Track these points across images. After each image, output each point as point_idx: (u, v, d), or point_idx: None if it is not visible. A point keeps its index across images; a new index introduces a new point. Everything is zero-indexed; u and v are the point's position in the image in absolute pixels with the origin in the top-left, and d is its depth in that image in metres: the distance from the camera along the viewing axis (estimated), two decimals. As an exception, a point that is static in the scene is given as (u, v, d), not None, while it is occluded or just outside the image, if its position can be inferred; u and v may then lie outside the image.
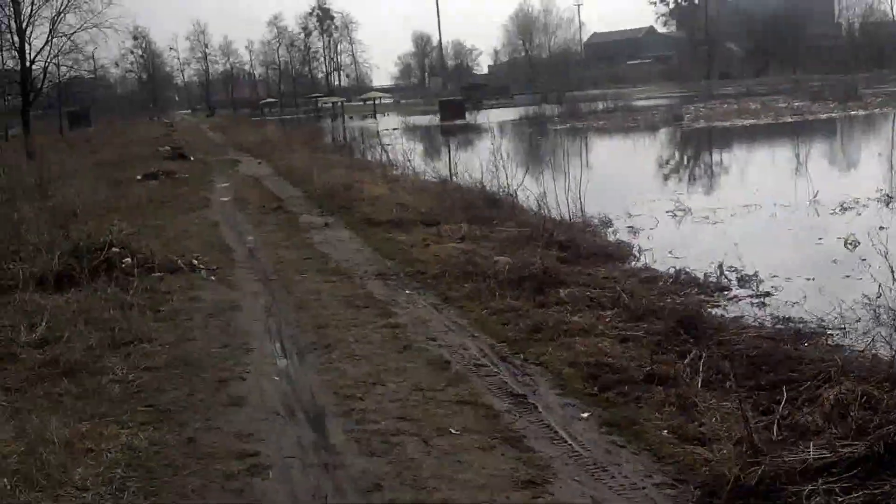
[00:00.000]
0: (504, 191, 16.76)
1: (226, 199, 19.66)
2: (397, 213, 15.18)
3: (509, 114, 67.86)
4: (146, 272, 10.19)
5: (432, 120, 72.13)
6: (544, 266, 9.52)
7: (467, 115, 70.63)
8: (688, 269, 10.35)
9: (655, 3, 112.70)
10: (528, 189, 16.45)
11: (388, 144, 40.73)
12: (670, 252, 11.89)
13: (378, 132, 52.19)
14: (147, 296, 9.29)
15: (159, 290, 9.61)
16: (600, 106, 63.31)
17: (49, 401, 6.21)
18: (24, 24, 47.70)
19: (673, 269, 10.33)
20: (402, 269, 10.94)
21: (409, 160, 26.22)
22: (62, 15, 48.39)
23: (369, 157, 31.72)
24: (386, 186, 20.39)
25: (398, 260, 11.50)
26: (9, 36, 48.28)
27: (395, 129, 57.67)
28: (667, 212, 15.73)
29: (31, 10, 47.80)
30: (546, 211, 13.87)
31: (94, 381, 6.58)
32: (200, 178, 24.78)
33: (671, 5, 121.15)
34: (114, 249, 10.27)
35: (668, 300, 8.81)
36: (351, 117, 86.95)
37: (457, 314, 8.67)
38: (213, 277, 10.41)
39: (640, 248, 12.29)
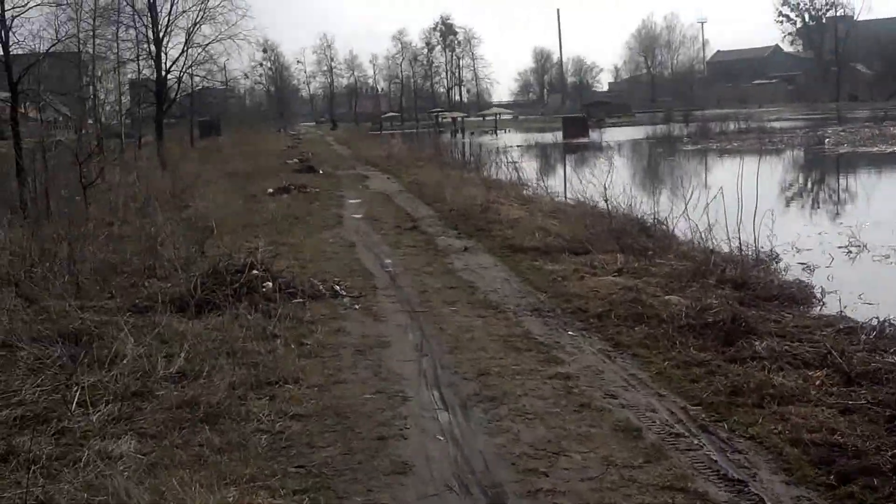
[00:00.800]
0: (654, 217, 15.55)
1: (358, 216, 19.10)
2: (541, 239, 14.19)
3: (633, 132, 66.02)
4: (288, 297, 9.53)
5: (555, 137, 70.97)
6: (732, 311, 8.33)
7: (590, 132, 69.17)
8: (892, 321, 8.95)
9: (782, 22, 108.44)
10: (674, 212, 15.18)
11: (514, 162, 39.92)
12: (860, 296, 10.45)
13: (501, 148, 51.36)
14: (290, 325, 8.59)
15: (303, 318, 8.90)
16: (731, 126, 60.83)
17: (188, 453, 5.48)
18: (161, 35, 49.18)
19: (875, 320, 8.93)
20: (557, 304, 9.93)
21: (541, 180, 25.23)
22: (198, 26, 49.64)
23: (497, 175, 30.94)
24: (522, 208, 19.45)
25: (551, 293, 10.50)
26: (146, 46, 49.91)
27: (518, 145, 56.72)
28: (839, 247, 14.19)
29: (168, 21, 49.29)
30: (712, 243, 12.58)
31: (238, 431, 5.83)
32: (331, 192, 24.44)
33: (798, 24, 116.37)
34: (255, 272, 9.65)
35: (881, 359, 7.51)
36: (472, 133, 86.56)
37: (633, 365, 7.60)
38: (356, 306, 9.65)
39: (822, 290, 10.88)
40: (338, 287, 10.24)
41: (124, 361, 7.05)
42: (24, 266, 11.06)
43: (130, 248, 13.21)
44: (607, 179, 16.14)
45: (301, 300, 9.51)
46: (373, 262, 12.85)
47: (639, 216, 15.77)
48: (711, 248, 12.31)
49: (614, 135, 57.88)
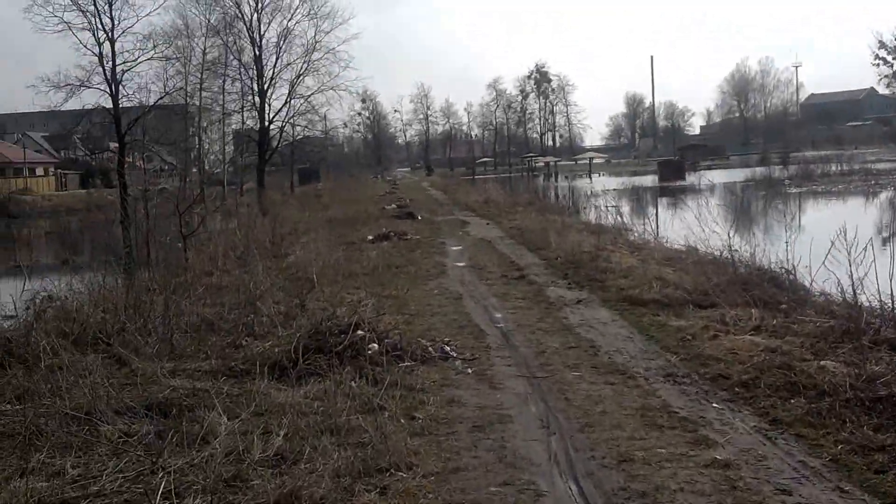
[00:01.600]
0: (781, 266, 14.20)
1: (461, 264, 18.29)
2: (659, 290, 13.05)
3: (730, 175, 63.71)
4: (395, 360, 8.69)
5: (651, 180, 69.20)
6: (913, 385, 7.09)
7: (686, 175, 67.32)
8: None
9: (878, 65, 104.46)
10: (802, 259, 13.80)
11: (615, 206, 38.65)
12: None
13: (595, 192, 50.03)
14: (399, 394, 7.73)
15: (412, 386, 8.03)
16: (833, 168, 58.22)
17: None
18: (266, 87, 50.19)
19: None
20: (692, 368, 8.81)
21: (647, 224, 24.01)
22: (301, 78, 50.57)
23: (598, 220, 29.83)
24: (633, 255, 18.30)
25: (683, 355, 9.38)
26: (251, 98, 50.91)
27: (614, 189, 55.36)
28: None
29: (273, 74, 50.27)
30: (864, 297, 11.22)
31: (347, 537, 4.96)
32: (431, 239, 23.75)
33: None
34: (359, 332, 8.86)
35: None
36: (566, 177, 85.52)
37: (800, 448, 6.44)
38: (469, 370, 8.73)
39: None
40: (448, 348, 9.36)
41: (216, 440, 6.29)
42: (117, 323, 10.57)
43: (229, 301, 12.68)
44: (720, 224, 14.95)
45: (409, 364, 8.66)
46: (482, 317, 11.95)
47: (764, 265, 14.47)
48: (862, 304, 10.97)
49: (711, 177, 55.73)
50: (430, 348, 9.22)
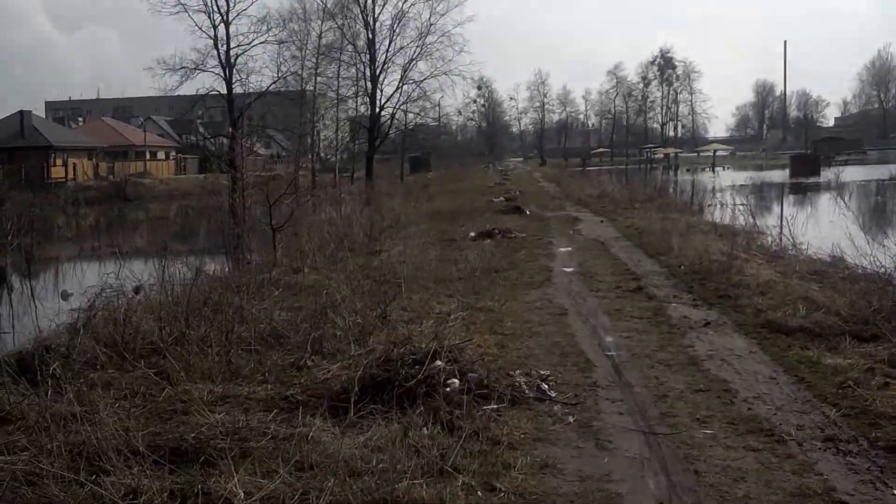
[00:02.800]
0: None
1: (569, 269, 16.51)
2: (806, 314, 10.99)
3: (871, 172, 59.09)
4: (478, 401, 7.08)
5: (781, 176, 65.13)
6: None
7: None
8: None
9: None
10: None
11: (744, 204, 35.81)
12: None
13: (720, 187, 47.07)
14: (479, 449, 6.13)
15: (497, 439, 6.41)
16: None
17: None
18: (378, 72, 49.24)
19: None
20: (859, 429, 6.86)
21: (786, 228, 21.46)
22: (414, 62, 49.44)
23: (725, 220, 27.37)
24: (771, 266, 16.11)
25: (844, 408, 7.40)
26: (363, 83, 50.10)
27: (740, 184, 52.06)
28: None
29: (386, 58, 49.29)
30: None
31: None
32: (538, 238, 21.97)
33: None
34: (438, 363, 7.29)
35: None
36: (687, 170, 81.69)
37: None
38: (570, 418, 7.03)
39: None
40: (546, 385, 7.68)
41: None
42: (178, 328, 9.34)
43: (306, 307, 11.36)
44: (869, 229, 12.67)
45: (495, 406, 7.03)
46: (590, 341, 10.19)
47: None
48: None
49: (850, 174, 51.55)
50: (524, 385, 7.56)
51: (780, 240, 20.24)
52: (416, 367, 7.19)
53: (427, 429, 6.44)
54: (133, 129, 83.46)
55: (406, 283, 13.14)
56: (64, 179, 59.20)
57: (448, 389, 7.03)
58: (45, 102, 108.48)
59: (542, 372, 8.27)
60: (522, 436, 6.55)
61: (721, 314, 11.77)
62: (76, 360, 7.98)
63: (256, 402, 7.40)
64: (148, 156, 77.79)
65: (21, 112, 63.96)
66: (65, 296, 16.53)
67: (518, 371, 8.05)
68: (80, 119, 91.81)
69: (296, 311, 11.22)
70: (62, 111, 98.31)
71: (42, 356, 7.97)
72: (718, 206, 33.33)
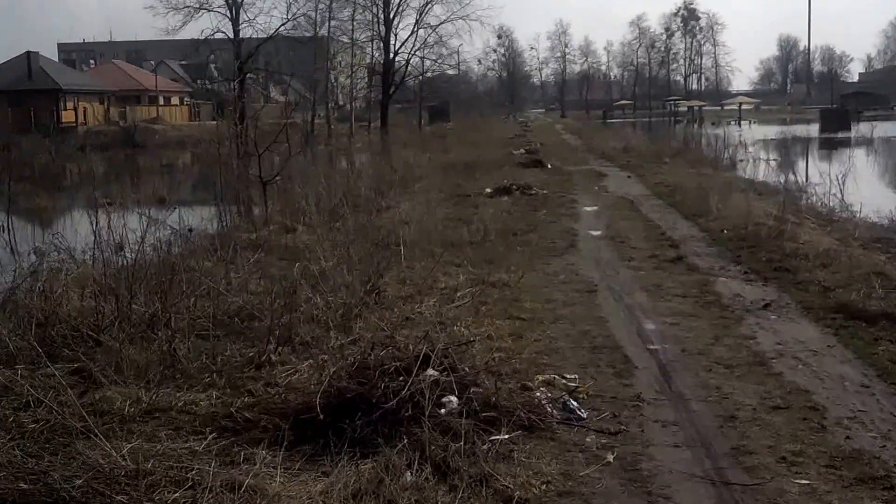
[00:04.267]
0: None
1: (597, 233, 14.60)
2: (884, 294, 9.06)
3: (902, 127, 56.22)
4: (483, 426, 5.25)
5: (808, 130, 62.36)
6: None
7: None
8: None
9: None
10: None
11: (776, 160, 33.58)
12: None
13: (748, 141, 44.61)
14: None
15: (507, 493, 4.59)
16: None
17: None
18: (392, 15, 46.94)
19: None
20: None
21: (830, 187, 19.31)
22: (429, 6, 47.04)
23: (758, 176, 25.30)
24: (825, 232, 14.17)
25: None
26: (375, 26, 47.80)
27: (770, 139, 49.57)
28: None
29: (400, 0, 46.94)
30: None
31: None
32: (560, 195, 19.98)
33: None
34: (430, 372, 5.45)
35: None
36: (713, 123, 78.86)
37: None
38: (610, 456, 5.17)
39: None
40: (574, 403, 5.82)
41: None
42: (121, 309, 7.51)
43: (289, 276, 9.52)
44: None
45: (506, 436, 5.19)
46: (626, 328, 8.32)
47: None
48: None
49: (881, 130, 48.79)
50: (543, 399, 5.71)
51: (829, 200, 18.25)
52: (401, 377, 5.35)
53: (411, 473, 4.63)
54: (146, 72, 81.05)
55: (408, 247, 11.30)
56: (74, 124, 57.23)
57: (443, 411, 5.20)
58: (58, 44, 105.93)
59: (569, 378, 6.42)
60: (544, 486, 4.72)
61: (780, 292, 9.86)
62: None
63: (192, 418, 5.63)
64: (161, 101, 75.68)
65: (28, 53, 60.89)
66: (39, 253, 14.61)
67: (538, 379, 6.20)
68: (92, 62, 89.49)
69: (279, 281, 9.42)
70: (74, 53, 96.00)
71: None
72: (751, 161, 31.27)
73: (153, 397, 5.88)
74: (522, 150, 33.86)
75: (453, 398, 5.28)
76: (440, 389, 5.31)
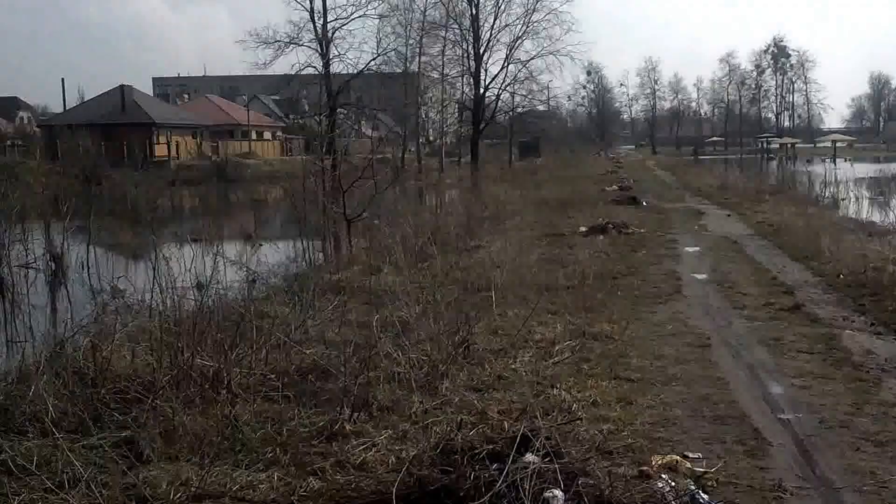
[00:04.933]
0: None
1: (701, 276, 13.47)
2: None
3: None
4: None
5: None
6: None
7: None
8: None
9: None
10: None
11: (880, 198, 31.68)
12: None
13: (846, 179, 42.37)
14: None
15: None
16: None
17: None
18: (482, 50, 46.43)
19: None
20: None
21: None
22: (520, 41, 46.37)
23: (862, 215, 23.70)
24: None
25: None
26: (465, 61, 47.34)
27: (870, 176, 47.18)
28: None
29: (490, 36, 46.40)
30: None
31: None
32: (659, 235, 18.85)
33: None
34: (528, 458, 4.55)
35: None
36: (808, 160, 75.92)
37: None
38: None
39: None
40: (702, 494, 4.80)
41: None
42: (179, 366, 6.78)
43: (366, 327, 8.72)
44: None
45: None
46: (750, 393, 7.23)
47: None
48: None
49: None
50: (669, 495, 4.73)
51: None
52: (495, 464, 4.46)
53: None
54: (238, 107, 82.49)
55: (500, 292, 10.44)
56: (167, 158, 58.24)
57: (547, 507, 4.29)
58: (153, 79, 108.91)
59: (693, 457, 5.42)
60: None
61: (918, 350, 8.62)
62: (14, 416, 5.59)
63: (247, 509, 4.84)
64: (254, 135, 76.91)
65: (122, 86, 61.86)
66: (115, 292, 14.20)
67: (657, 462, 5.22)
68: (186, 96, 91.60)
69: (359, 330, 8.68)
70: (169, 87, 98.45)
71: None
72: (854, 199, 29.58)
73: (205, 478, 5.11)
74: (615, 187, 32.73)
75: (558, 492, 4.35)
76: (542, 481, 4.39)
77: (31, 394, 5.96)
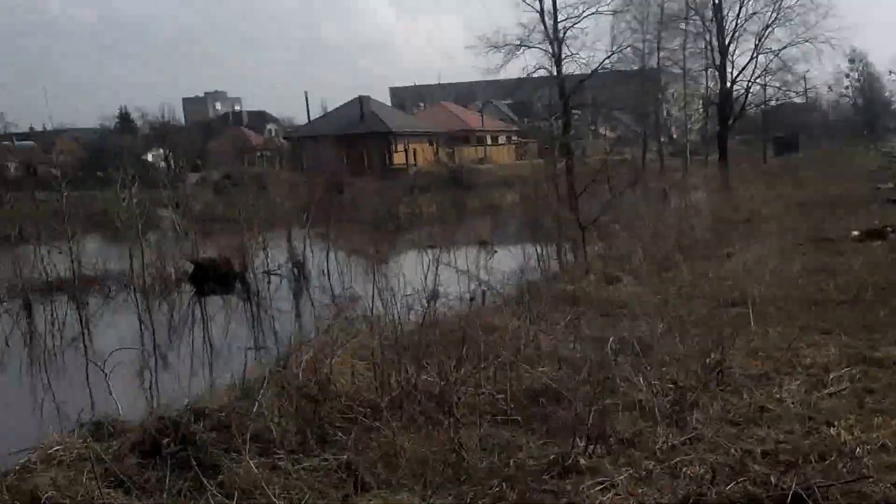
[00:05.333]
0: None
1: None
2: None
3: None
4: None
5: None
6: None
7: None
8: None
9: None
10: None
11: None
12: None
13: None
14: None
15: None
16: None
17: None
18: (728, 41, 43.68)
19: None
20: None
21: None
22: (770, 29, 43.15)
23: None
24: None
25: None
26: (709, 53, 44.81)
27: None
28: None
29: (736, 25, 43.55)
30: None
31: None
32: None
33: None
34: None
35: None
36: None
37: None
38: None
39: None
40: None
41: None
42: (403, 386, 6.28)
43: (602, 346, 7.84)
44: None
45: None
46: None
47: None
48: None
49: None
50: None
51: None
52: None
53: None
54: (473, 113, 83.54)
55: (759, 306, 9.20)
56: (405, 166, 60.05)
57: None
58: (389, 88, 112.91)
59: None
60: None
61: None
62: (234, 432, 5.32)
63: None
64: (488, 140, 77.68)
65: (360, 98, 64.01)
66: (353, 297, 14.19)
67: None
68: (422, 105, 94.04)
69: (594, 345, 7.87)
70: (405, 97, 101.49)
71: (188, 424, 5.42)
72: None
73: (425, 512, 4.55)
74: (891, 185, 29.30)
75: None
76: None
77: (254, 410, 5.71)
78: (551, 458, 5.30)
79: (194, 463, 4.92)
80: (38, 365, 12.29)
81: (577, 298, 11.02)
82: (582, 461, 5.22)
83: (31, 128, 71.13)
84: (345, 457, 5.32)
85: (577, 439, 5.43)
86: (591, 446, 5.43)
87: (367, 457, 5.24)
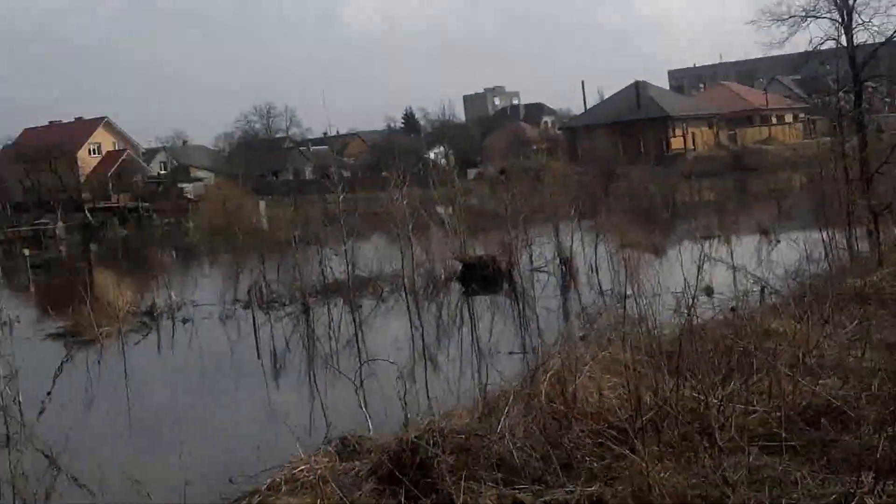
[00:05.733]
0: None
1: None
2: None
3: None
4: None
5: None
6: None
7: None
8: None
9: None
10: None
11: None
12: None
13: None
14: None
15: None
16: None
17: None
18: None
19: None
20: None
21: None
22: None
23: None
24: None
25: None
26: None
27: None
28: None
29: None
30: None
31: None
32: None
33: None
34: None
35: None
36: None
37: None
38: None
39: None
40: None
41: None
42: (660, 406, 5.81)
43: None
44: None
45: None
46: None
47: None
48: None
49: None
50: None
51: None
52: None
53: None
54: (756, 92, 78.70)
55: None
56: (682, 150, 57.90)
57: None
58: (668, 71, 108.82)
59: None
60: None
61: None
62: (477, 458, 5.17)
63: None
64: (774, 120, 72.89)
65: (636, 83, 62.82)
66: (609, 302, 13.40)
67: None
68: (701, 86, 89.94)
69: (887, 354, 6.94)
70: (685, 79, 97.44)
71: (427, 447, 5.33)
72: None
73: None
74: None
75: None
76: None
77: (497, 430, 5.54)
78: (832, 497, 4.63)
79: (432, 495, 4.83)
80: (311, 370, 12.99)
81: (866, 296, 9.82)
82: (869, 502, 4.51)
83: (325, 133, 76.95)
84: (593, 488, 5.00)
85: (863, 474, 4.71)
86: (881, 483, 4.69)
87: (615, 489, 4.87)
